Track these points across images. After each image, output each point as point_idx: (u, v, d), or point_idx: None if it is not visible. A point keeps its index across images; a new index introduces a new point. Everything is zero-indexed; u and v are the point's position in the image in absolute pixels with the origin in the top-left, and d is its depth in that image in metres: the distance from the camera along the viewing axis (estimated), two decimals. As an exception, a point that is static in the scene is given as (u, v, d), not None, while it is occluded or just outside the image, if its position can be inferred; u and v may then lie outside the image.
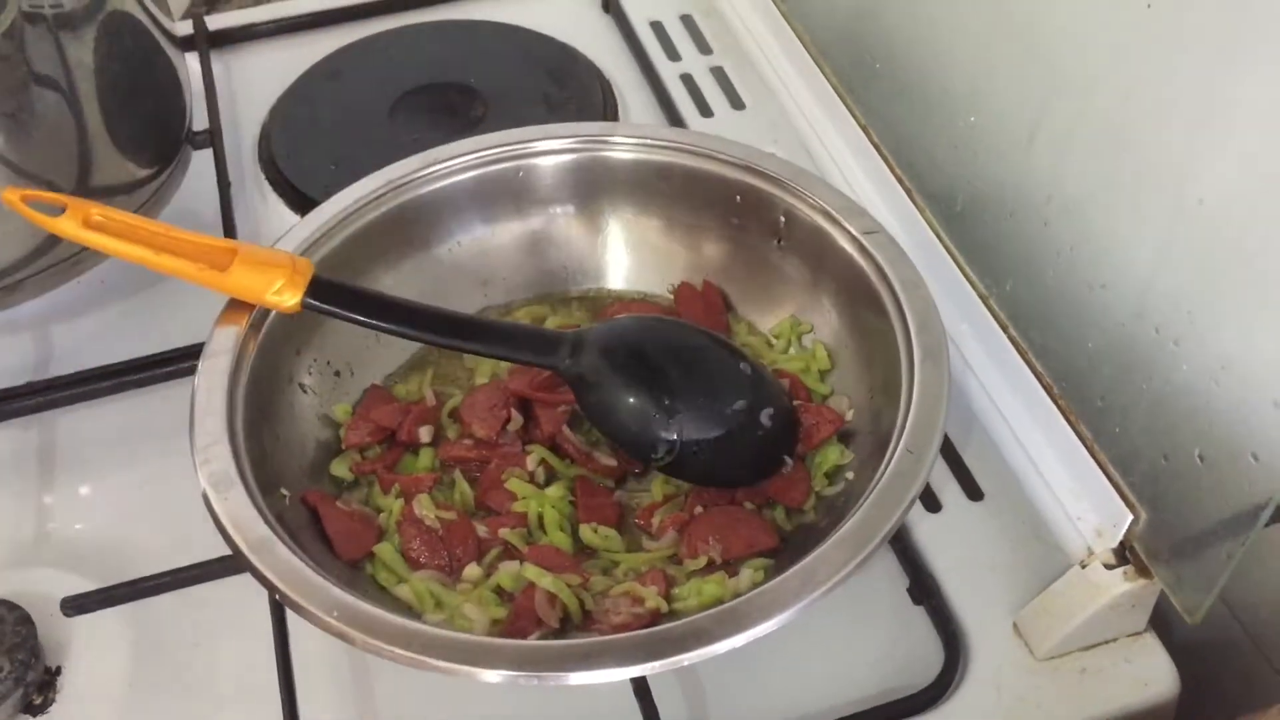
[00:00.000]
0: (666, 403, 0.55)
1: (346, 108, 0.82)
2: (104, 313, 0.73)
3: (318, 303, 0.55)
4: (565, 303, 0.66)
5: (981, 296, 0.62)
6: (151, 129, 0.71)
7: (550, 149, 0.64)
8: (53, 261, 0.66)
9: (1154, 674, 0.55)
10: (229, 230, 0.72)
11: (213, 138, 0.77)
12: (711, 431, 0.56)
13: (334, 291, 0.56)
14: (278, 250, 0.57)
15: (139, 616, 0.58)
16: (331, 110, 0.83)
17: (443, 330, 0.57)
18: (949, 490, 0.62)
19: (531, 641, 0.48)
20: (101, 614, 0.57)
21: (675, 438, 0.55)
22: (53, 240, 0.65)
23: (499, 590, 0.53)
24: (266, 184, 0.78)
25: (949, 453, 0.64)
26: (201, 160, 0.76)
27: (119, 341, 0.70)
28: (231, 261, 0.55)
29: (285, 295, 0.55)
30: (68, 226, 0.54)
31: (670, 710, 0.53)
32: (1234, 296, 0.47)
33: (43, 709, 0.55)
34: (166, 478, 0.61)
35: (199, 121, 0.77)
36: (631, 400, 0.56)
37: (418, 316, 0.57)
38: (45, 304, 0.72)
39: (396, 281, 0.62)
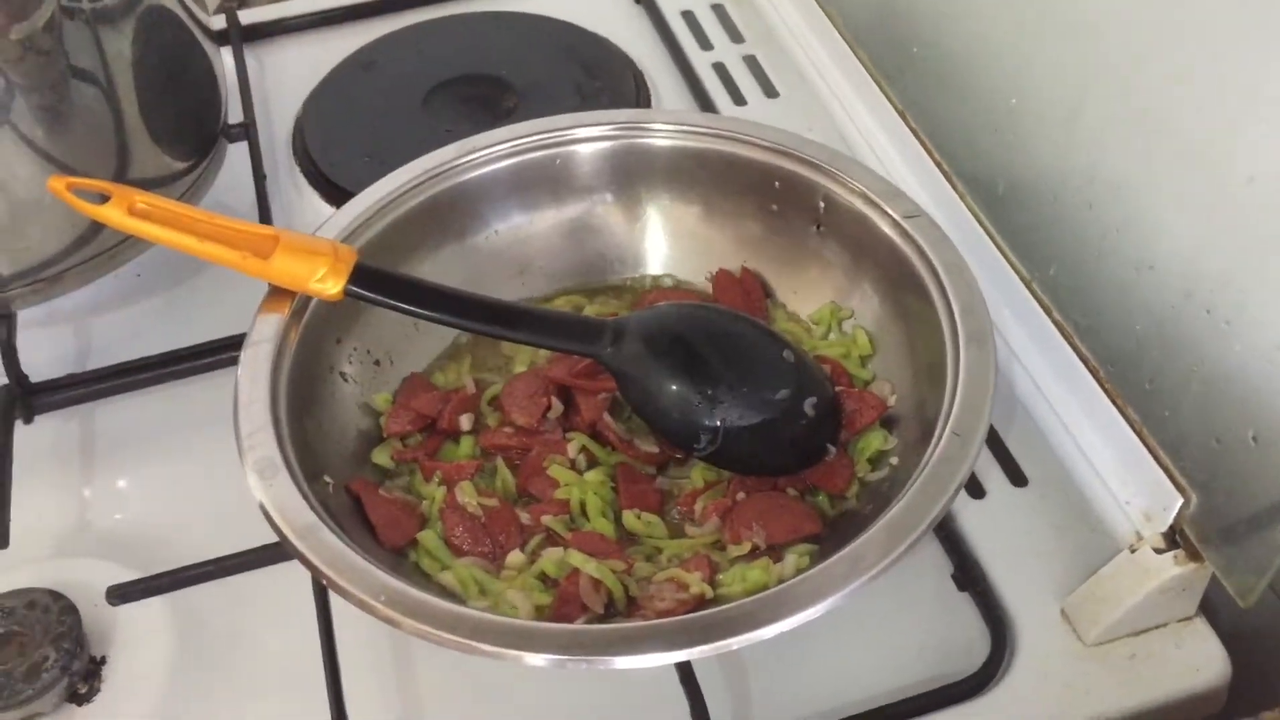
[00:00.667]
0: (709, 391, 0.55)
1: (379, 100, 0.82)
2: (142, 305, 0.73)
3: (361, 290, 0.55)
4: (604, 291, 0.66)
5: (1024, 281, 0.62)
6: (188, 122, 0.71)
7: (587, 136, 0.63)
8: (94, 253, 0.66)
9: (1205, 659, 0.55)
10: (265, 222, 0.73)
11: (247, 130, 0.77)
12: (754, 420, 0.55)
13: (377, 279, 0.56)
14: (320, 238, 0.57)
15: (183, 606, 0.58)
16: (364, 103, 0.83)
17: (485, 317, 0.57)
18: (993, 476, 0.62)
19: (577, 625, 0.48)
20: (146, 604, 0.57)
21: (718, 426, 0.55)
22: (93, 232, 0.66)
23: (543, 577, 0.53)
24: (301, 176, 0.79)
25: (993, 439, 0.63)
26: (237, 153, 0.77)
27: (157, 334, 0.70)
28: (274, 249, 0.54)
29: (329, 283, 0.54)
30: (113, 214, 0.54)
31: (715, 696, 0.53)
32: (1285, 275, 0.46)
33: (88, 698, 0.55)
34: (207, 468, 0.61)
35: (234, 115, 0.78)
36: (674, 388, 0.55)
37: (460, 304, 0.56)
38: (84, 297, 0.72)
39: (434, 270, 0.62)
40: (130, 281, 0.74)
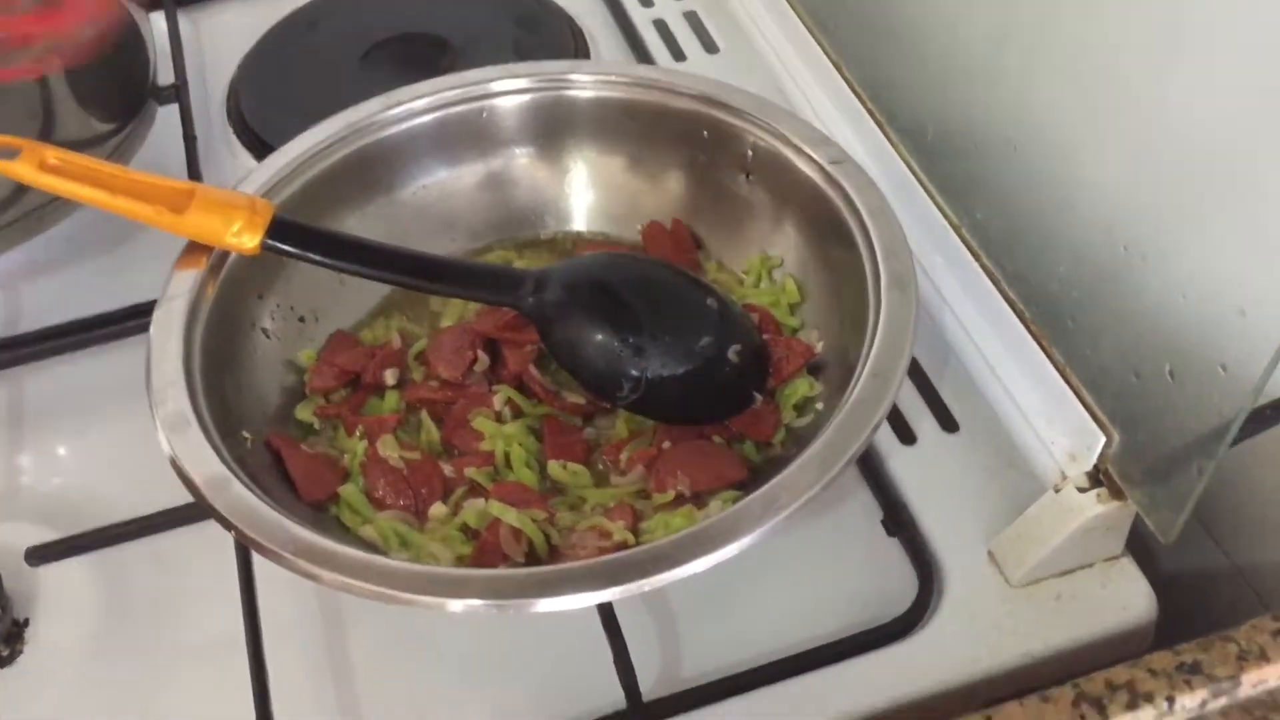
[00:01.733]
0: (631, 339, 0.55)
1: (315, 61, 0.81)
2: (74, 270, 0.72)
3: (278, 243, 0.54)
4: (534, 245, 0.65)
5: (954, 227, 0.61)
6: (112, 83, 0.71)
7: (511, 89, 0.63)
8: (17, 216, 0.65)
9: (1131, 598, 0.55)
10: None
11: (178, 92, 0.76)
12: (677, 368, 0.55)
13: (295, 232, 0.55)
14: (236, 192, 0.56)
15: (107, 568, 0.57)
16: (300, 64, 0.82)
17: (405, 269, 0.56)
18: (924, 423, 0.62)
19: (492, 570, 0.48)
20: (71, 568, 0.57)
21: (640, 374, 0.55)
22: (17, 194, 0.65)
23: (465, 529, 0.53)
24: (234, 138, 0.78)
25: (924, 385, 0.63)
26: (168, 115, 0.76)
27: (89, 298, 0.69)
28: (189, 204, 0.54)
29: (244, 237, 0.54)
30: (23, 170, 0.53)
31: (643, 644, 0.53)
32: (1199, 207, 0.46)
33: (10, 661, 0.55)
34: (137, 432, 0.60)
35: (165, 77, 0.77)
36: (595, 337, 0.55)
37: (380, 256, 0.56)
38: (15, 261, 0.71)
39: (361, 225, 0.62)
40: (63, 246, 0.73)
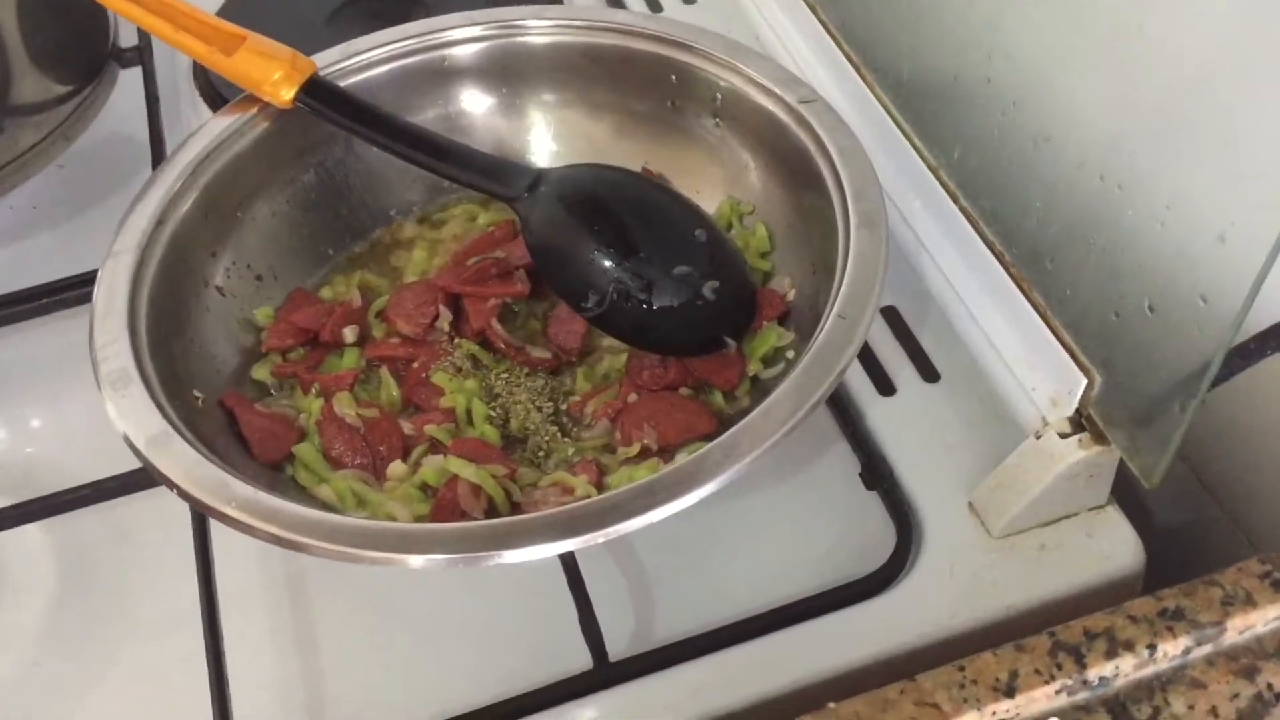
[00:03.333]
0: (608, 251, 0.54)
1: (284, 19, 0.79)
2: (37, 238, 0.71)
3: (311, 100, 0.57)
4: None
5: (932, 169, 0.59)
6: (72, 45, 0.69)
7: (468, 36, 0.61)
8: (-28, 180, 0.64)
9: (1117, 547, 0.53)
10: (157, 147, 0.70)
11: (141, 54, 0.75)
12: (647, 291, 0.54)
13: (329, 93, 0.57)
14: (283, 46, 0.58)
15: (65, 539, 0.56)
16: (268, 24, 0.78)
17: (418, 145, 0.57)
18: (904, 373, 0.59)
19: (443, 525, 0.46)
20: (28, 537, 0.56)
21: (608, 288, 0.54)
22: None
23: (424, 487, 0.51)
24: (201, 100, 0.76)
25: (904, 335, 0.61)
26: (131, 78, 0.74)
27: (54, 265, 0.67)
28: (239, 48, 0.56)
29: (282, 88, 0.56)
30: None
31: (612, 605, 0.52)
32: (1175, 132, 0.44)
33: (-35, 631, 0.54)
34: (98, 399, 0.59)
35: (127, 39, 0.75)
36: (572, 243, 0.55)
37: (397, 129, 0.58)
38: (-24, 230, 0.70)
39: (321, 178, 0.60)
40: (26, 214, 0.72)
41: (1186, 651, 0.43)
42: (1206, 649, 0.43)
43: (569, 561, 0.51)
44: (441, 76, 0.61)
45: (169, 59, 0.78)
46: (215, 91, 0.75)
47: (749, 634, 0.50)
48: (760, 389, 0.54)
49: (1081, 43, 0.48)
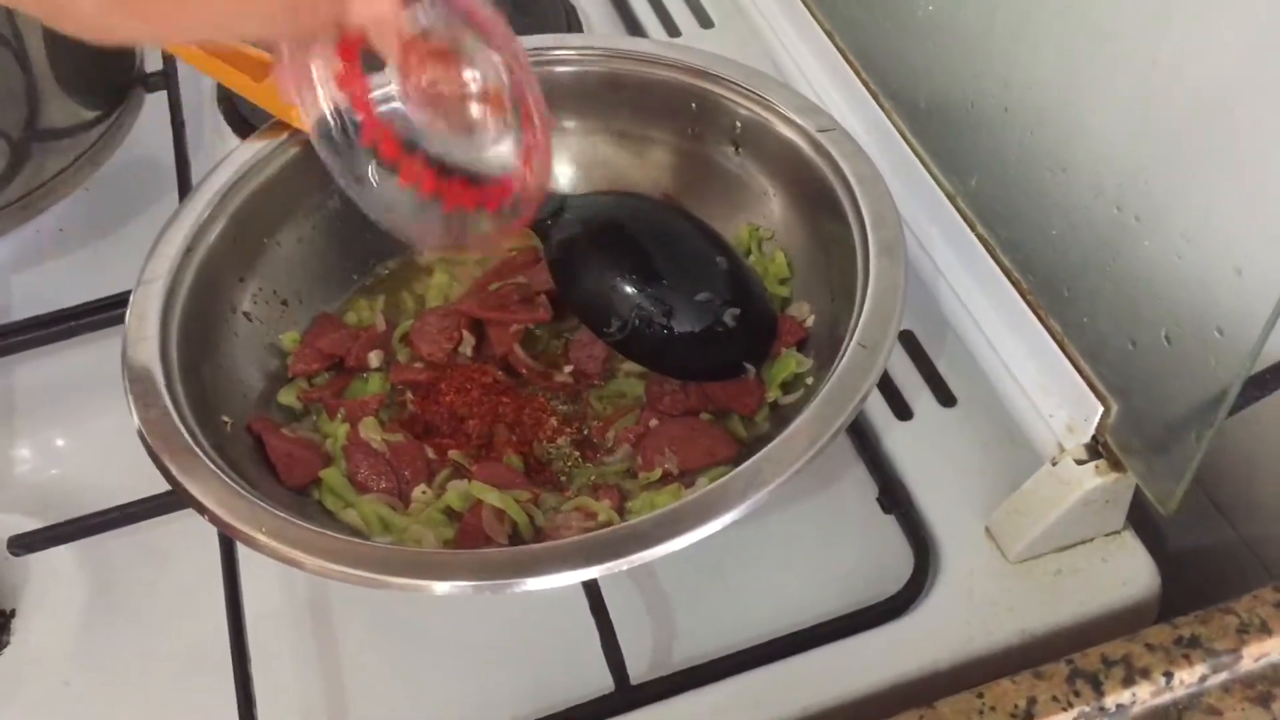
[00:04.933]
0: (630, 278, 0.55)
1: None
2: (65, 260, 0.72)
3: None
4: (521, 224, 0.64)
5: (949, 196, 0.60)
6: (98, 71, 0.70)
7: (495, 63, 0.61)
8: (2, 204, 0.65)
9: (1133, 573, 0.53)
10: (183, 171, 0.71)
11: (167, 79, 0.76)
12: (669, 316, 0.54)
13: None
14: None
15: (94, 560, 0.57)
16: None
17: None
18: (921, 398, 0.60)
19: (468, 551, 0.47)
20: (57, 557, 0.56)
21: (630, 314, 0.54)
22: (1, 184, 0.65)
23: (449, 511, 0.52)
24: (225, 125, 0.77)
25: (922, 360, 0.61)
26: (156, 103, 0.75)
27: (81, 288, 0.68)
28: (267, 75, 0.57)
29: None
30: None
31: (633, 629, 0.52)
32: (1192, 164, 0.44)
33: (-4, 651, 0.54)
34: (126, 421, 0.60)
35: (153, 64, 0.76)
36: (596, 269, 0.55)
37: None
38: (5, 252, 0.71)
39: (346, 204, 0.61)
40: (53, 236, 0.73)
41: (1203, 679, 0.43)
42: (1222, 676, 0.44)
43: (591, 585, 0.51)
44: (465, 104, 0.62)
45: (194, 84, 0.79)
46: (240, 116, 0.76)
47: (768, 657, 0.51)
48: (779, 415, 0.55)
49: (1098, 73, 0.49)
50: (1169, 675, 0.43)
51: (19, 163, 0.66)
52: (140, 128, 0.73)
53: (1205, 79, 0.43)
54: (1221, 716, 0.43)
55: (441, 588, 0.44)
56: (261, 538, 0.44)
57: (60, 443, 0.64)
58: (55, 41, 0.65)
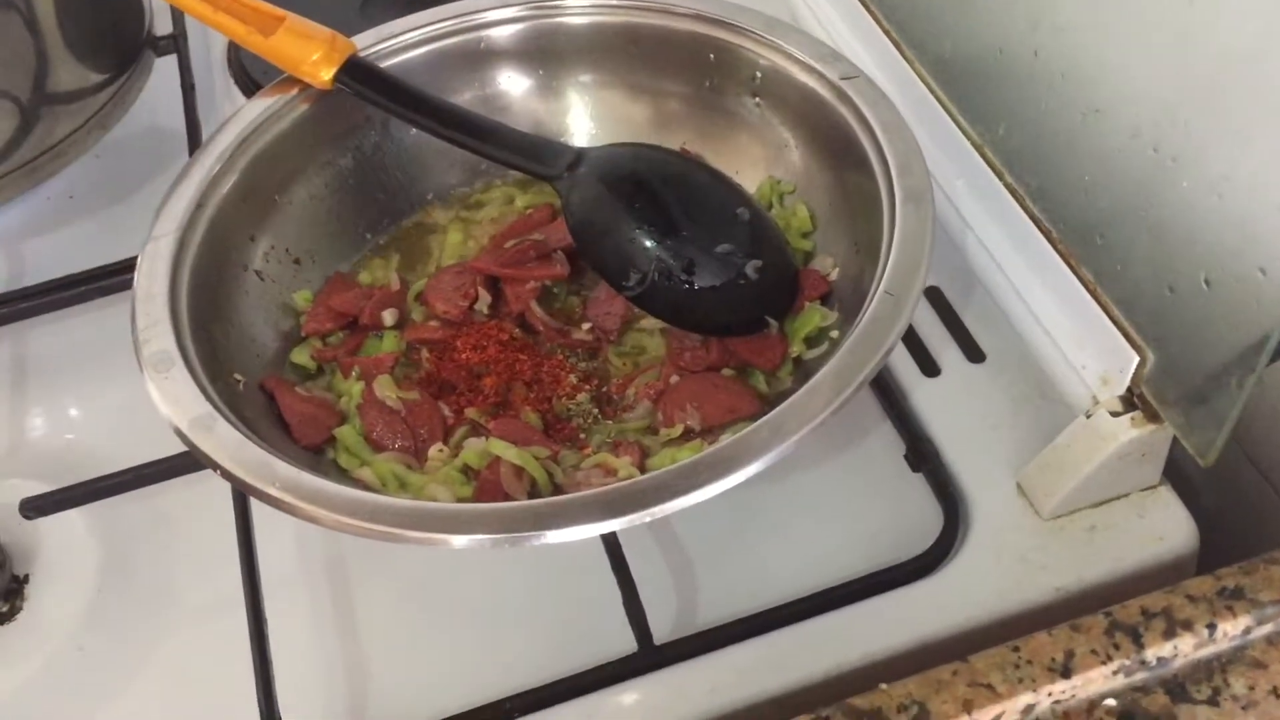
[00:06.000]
0: (650, 230, 0.54)
1: (317, 5, 0.79)
2: (76, 226, 0.71)
3: (350, 81, 0.56)
4: (537, 181, 0.63)
5: (976, 146, 0.58)
6: (107, 33, 0.69)
7: (505, 18, 0.60)
8: (10, 168, 0.64)
9: (1170, 528, 0.52)
10: (193, 134, 0.70)
11: (176, 42, 0.75)
12: (689, 270, 0.53)
13: (367, 73, 0.57)
14: (321, 26, 0.57)
15: (108, 525, 0.56)
16: (302, 8, 0.79)
17: (459, 125, 0.57)
18: (949, 354, 0.59)
19: (485, 505, 0.45)
20: (69, 521, 0.56)
21: (649, 267, 0.53)
22: (10, 148, 0.64)
23: (466, 469, 0.51)
24: (235, 88, 0.76)
25: (948, 315, 0.60)
26: (167, 66, 0.74)
27: (91, 254, 0.67)
28: (277, 29, 0.56)
29: (321, 68, 0.56)
30: None
31: (658, 589, 0.51)
32: (1231, 102, 0.43)
33: (10, 616, 0.54)
34: (138, 386, 0.59)
35: (162, 27, 0.75)
36: (613, 223, 0.54)
37: (437, 109, 0.57)
38: (15, 219, 0.70)
39: (359, 162, 0.60)
40: (63, 203, 0.72)
41: (1247, 631, 0.42)
42: (1267, 628, 0.42)
43: (613, 544, 0.50)
44: (478, 58, 0.61)
45: (204, 46, 0.79)
46: (250, 78, 0.75)
47: (795, 617, 0.50)
48: (802, 370, 0.53)
49: (1131, 12, 0.47)
50: (1212, 626, 0.41)
51: (28, 126, 0.65)
52: (150, 91, 0.72)
53: (1242, 14, 0.41)
54: (1266, 670, 0.41)
55: (460, 541, 0.42)
56: (275, 492, 0.43)
57: (73, 409, 0.63)
58: (64, 3, 0.64)
